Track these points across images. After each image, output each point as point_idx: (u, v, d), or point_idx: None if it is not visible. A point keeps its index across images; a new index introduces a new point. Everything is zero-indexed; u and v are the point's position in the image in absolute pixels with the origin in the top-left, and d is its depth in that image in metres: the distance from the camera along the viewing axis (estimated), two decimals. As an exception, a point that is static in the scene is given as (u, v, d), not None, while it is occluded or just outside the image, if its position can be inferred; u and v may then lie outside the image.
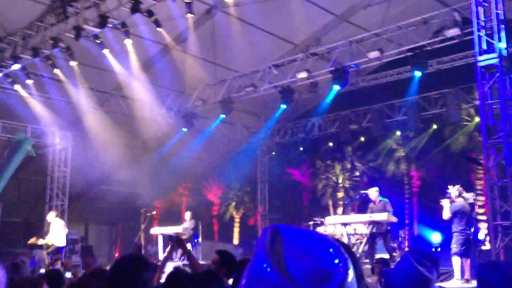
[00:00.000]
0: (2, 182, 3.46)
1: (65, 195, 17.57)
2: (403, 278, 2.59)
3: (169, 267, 8.70)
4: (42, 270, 10.52)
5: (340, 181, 23.91)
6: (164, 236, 15.58)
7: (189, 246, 14.17)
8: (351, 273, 1.02)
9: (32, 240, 13.26)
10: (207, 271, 3.61)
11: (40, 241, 13.30)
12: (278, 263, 0.98)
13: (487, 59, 9.84)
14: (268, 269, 0.97)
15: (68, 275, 9.47)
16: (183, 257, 13.17)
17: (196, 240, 15.13)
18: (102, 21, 11.61)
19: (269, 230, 1.04)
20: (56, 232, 13.40)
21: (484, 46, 10.01)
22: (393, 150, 22.49)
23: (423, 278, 2.43)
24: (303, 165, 25.16)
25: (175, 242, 4.85)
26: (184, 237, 14.01)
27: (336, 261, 1.01)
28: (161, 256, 14.79)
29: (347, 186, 23.87)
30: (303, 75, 14.48)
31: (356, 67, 14.15)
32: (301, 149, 21.26)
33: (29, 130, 16.89)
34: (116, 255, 26.63)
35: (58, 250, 13.39)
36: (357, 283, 1.07)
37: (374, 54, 13.11)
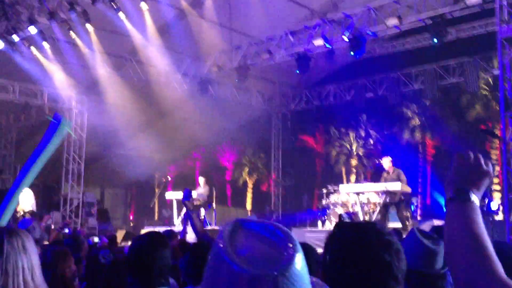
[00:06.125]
0: (39, 164, 3.42)
1: (81, 159, 17.78)
2: (409, 251, 2.67)
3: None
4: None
5: (354, 148, 23.94)
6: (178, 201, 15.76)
7: (203, 212, 14.35)
8: (299, 258, 1.06)
9: None
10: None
11: None
12: (233, 248, 1.05)
13: (508, 30, 9.65)
14: (224, 256, 1.04)
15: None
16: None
17: (210, 206, 15.29)
18: (119, -15, 11.53)
19: (231, 223, 1.10)
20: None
21: (506, 17, 9.80)
22: (408, 118, 22.41)
23: (428, 250, 2.54)
24: (317, 133, 25.20)
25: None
26: (198, 203, 14.19)
27: (285, 245, 1.07)
28: (176, 220, 15.01)
29: (361, 154, 23.90)
30: (319, 42, 14.32)
31: (374, 36, 13.93)
32: (316, 116, 21.21)
33: (45, 94, 17.00)
34: (131, 217, 27.14)
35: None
36: (310, 272, 1.12)
37: (392, 21, 12.88)
